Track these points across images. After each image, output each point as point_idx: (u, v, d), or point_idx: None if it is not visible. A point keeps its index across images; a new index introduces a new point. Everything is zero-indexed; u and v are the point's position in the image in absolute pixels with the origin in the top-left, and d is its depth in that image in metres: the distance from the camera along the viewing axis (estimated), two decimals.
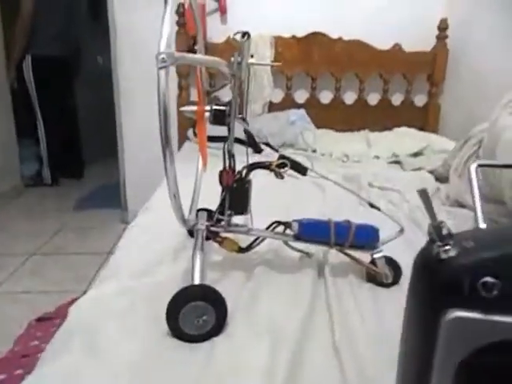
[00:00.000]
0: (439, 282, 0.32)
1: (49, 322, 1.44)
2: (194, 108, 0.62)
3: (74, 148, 3.17)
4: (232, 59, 0.60)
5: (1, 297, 1.58)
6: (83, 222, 2.34)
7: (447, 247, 0.32)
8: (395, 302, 0.62)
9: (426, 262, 0.33)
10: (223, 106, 0.63)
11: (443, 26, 2.03)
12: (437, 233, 0.32)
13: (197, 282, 0.52)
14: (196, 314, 0.50)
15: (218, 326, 0.51)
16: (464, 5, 2.01)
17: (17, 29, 2.55)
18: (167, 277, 0.64)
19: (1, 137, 2.56)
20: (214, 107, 0.62)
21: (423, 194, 0.34)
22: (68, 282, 1.69)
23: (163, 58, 0.43)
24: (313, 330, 0.53)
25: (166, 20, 0.45)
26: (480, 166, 0.40)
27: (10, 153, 2.67)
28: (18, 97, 2.71)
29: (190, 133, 1.96)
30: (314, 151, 1.81)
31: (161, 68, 0.43)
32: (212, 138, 1.59)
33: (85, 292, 1.57)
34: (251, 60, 0.60)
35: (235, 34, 0.56)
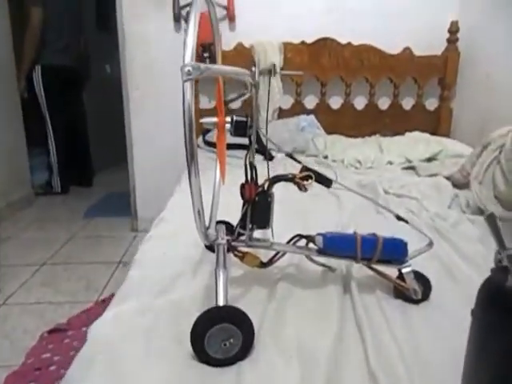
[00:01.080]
0: None
1: (61, 334, 1.43)
2: (215, 119, 0.60)
3: (84, 156, 3.19)
4: (253, 69, 0.58)
5: (12, 308, 1.57)
6: (93, 231, 2.34)
7: None
8: (426, 319, 0.59)
9: (500, 293, 0.31)
10: (244, 117, 0.62)
11: (454, 29, 2.01)
12: (511, 263, 0.30)
13: (221, 303, 0.50)
14: (222, 337, 0.47)
15: (245, 349, 0.48)
16: (475, 8, 1.99)
17: (26, 39, 2.58)
18: (188, 294, 0.62)
19: (11, 146, 2.57)
20: (236, 118, 0.60)
21: (490, 220, 0.32)
22: (79, 292, 1.68)
23: (189, 71, 0.41)
24: (345, 352, 0.50)
25: (191, 31, 0.43)
26: None
27: (21, 162, 2.69)
28: (28, 106, 2.73)
29: (199, 141, 1.94)
30: (326, 157, 1.79)
31: (186, 81, 0.42)
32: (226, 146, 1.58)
33: (96, 302, 1.57)
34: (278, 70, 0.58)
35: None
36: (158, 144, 2.17)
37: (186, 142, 0.43)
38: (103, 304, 1.61)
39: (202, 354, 0.48)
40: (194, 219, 0.49)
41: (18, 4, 2.61)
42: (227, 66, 0.56)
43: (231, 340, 0.48)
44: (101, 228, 2.38)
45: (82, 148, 3.15)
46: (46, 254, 2.01)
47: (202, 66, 0.42)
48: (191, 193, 0.46)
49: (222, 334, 0.48)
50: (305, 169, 0.61)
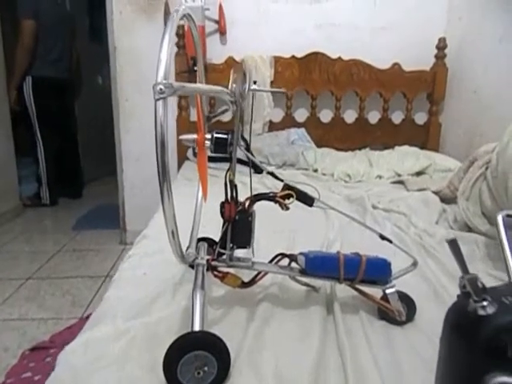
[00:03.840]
0: (480, 343, 0.28)
1: (42, 352, 1.39)
2: (194, 136, 0.59)
3: (74, 168, 3.16)
4: (234, 86, 0.57)
5: None
6: (81, 244, 2.30)
7: (485, 303, 0.28)
8: (410, 343, 0.57)
9: (463, 319, 0.30)
10: (225, 133, 0.60)
11: (442, 45, 2.04)
12: (472, 287, 0.29)
13: (197, 328, 0.48)
14: (196, 364, 0.45)
15: (220, 377, 0.46)
16: (463, 24, 2.02)
17: (18, 52, 2.57)
18: (166, 315, 0.60)
19: (0, 158, 2.54)
20: (215, 135, 0.59)
21: (453, 245, 0.31)
22: (64, 307, 1.64)
23: (161, 89, 0.40)
24: (324, 379, 0.48)
25: (164, 47, 0.42)
26: (508, 216, 0.36)
27: (9, 173, 2.65)
28: (17, 117, 2.70)
29: (189, 153, 1.94)
30: (316, 171, 1.79)
31: (158, 99, 0.40)
32: (212, 159, 1.57)
33: (81, 318, 1.53)
34: (254, 86, 0.57)
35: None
36: (148, 157, 2.15)
37: (158, 161, 0.42)
38: (87, 320, 1.57)
39: (174, 383, 0.45)
40: (169, 241, 0.48)
41: (9, 16, 2.61)
42: (206, 84, 0.55)
43: (205, 368, 0.46)
44: (89, 241, 2.35)
45: (71, 159, 3.13)
46: (31, 267, 1.97)
47: (176, 84, 0.41)
48: (164, 215, 0.44)
49: (195, 361, 0.45)
50: (286, 187, 0.60)
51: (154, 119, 0.42)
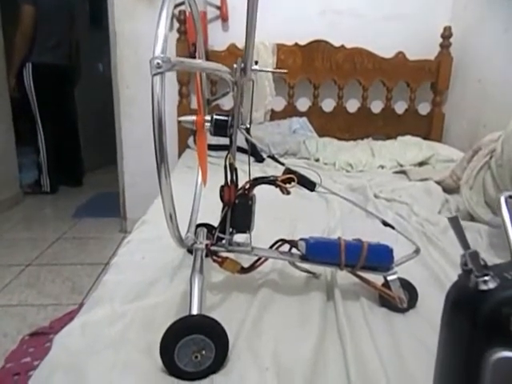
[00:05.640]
0: (481, 317, 0.27)
1: (42, 337, 1.39)
2: (194, 118, 0.58)
3: (74, 156, 3.14)
4: (235, 66, 0.55)
5: None
6: (81, 231, 2.30)
7: (486, 277, 0.28)
8: (412, 330, 0.57)
9: (463, 295, 0.29)
10: (225, 115, 0.59)
11: (447, 34, 2.00)
12: (473, 262, 0.28)
13: (195, 311, 0.47)
14: (193, 348, 0.45)
15: (218, 361, 0.46)
16: (468, 13, 1.99)
17: (18, 37, 2.54)
18: (163, 300, 0.59)
19: (0, 145, 2.52)
20: (215, 117, 0.57)
21: (454, 221, 0.30)
22: (64, 294, 1.65)
23: (158, 64, 0.38)
24: (324, 365, 0.48)
25: (162, 22, 0.41)
26: (511, 197, 0.35)
27: (9, 161, 2.64)
28: (17, 104, 2.68)
29: (190, 141, 1.92)
30: (317, 160, 1.77)
31: (155, 74, 0.39)
32: (213, 147, 1.55)
33: (80, 304, 1.53)
34: (255, 66, 0.56)
35: None
36: (148, 144, 2.13)
37: (155, 141, 0.41)
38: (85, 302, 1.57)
39: (171, 367, 0.45)
40: (166, 224, 0.46)
41: (9, 1, 2.56)
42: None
43: (203, 352, 0.45)
44: (89, 229, 2.34)
45: (72, 147, 3.11)
46: (31, 254, 1.97)
47: (174, 59, 0.39)
48: (161, 196, 0.43)
49: (193, 345, 0.45)
50: (288, 171, 0.58)
51: (151, 96, 0.40)
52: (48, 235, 2.22)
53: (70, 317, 1.48)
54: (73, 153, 3.12)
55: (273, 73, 1.65)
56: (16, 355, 1.31)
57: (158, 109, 0.40)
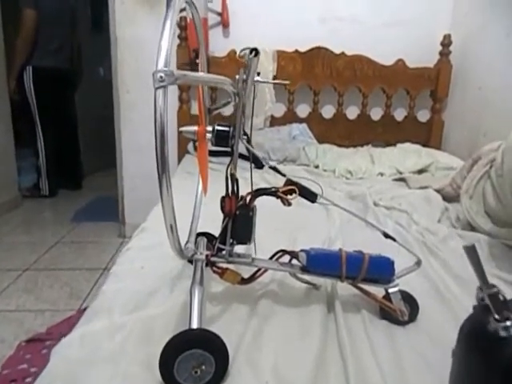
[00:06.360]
0: (501, 365, 0.26)
1: (39, 344, 1.38)
2: (195, 128, 0.58)
3: (73, 159, 3.14)
4: (237, 77, 0.55)
5: None
6: (80, 236, 2.29)
7: (508, 323, 0.27)
8: (412, 344, 0.56)
9: (481, 336, 0.27)
10: (227, 126, 0.59)
11: (446, 42, 2.01)
12: (493, 303, 0.27)
13: (195, 325, 0.46)
14: (193, 363, 0.44)
15: (218, 376, 0.45)
16: (469, 20, 2.00)
17: (19, 41, 2.54)
18: (163, 311, 0.59)
19: None
20: (217, 128, 0.57)
21: (471, 252, 0.29)
22: (62, 299, 1.64)
23: (161, 77, 0.38)
24: (324, 378, 0.47)
25: (165, 35, 0.41)
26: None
27: (9, 164, 2.64)
28: (17, 107, 2.68)
29: (190, 147, 1.92)
30: (317, 167, 1.77)
31: (158, 88, 0.39)
32: (213, 153, 1.55)
33: (78, 310, 1.52)
34: (257, 78, 0.55)
35: (242, 51, 0.52)
36: (148, 149, 2.13)
37: (157, 153, 0.40)
38: (84, 313, 1.56)
39: (171, 382, 0.44)
40: (167, 235, 0.46)
41: (10, 5, 2.57)
42: (212, 73, 0.54)
43: (203, 367, 0.44)
44: (88, 233, 2.34)
45: (71, 150, 3.11)
46: (29, 258, 1.96)
47: (177, 72, 0.39)
48: (162, 208, 0.43)
49: (193, 360, 0.44)
50: (289, 182, 0.58)
51: (154, 109, 0.40)
52: (46, 239, 2.21)
53: (67, 323, 1.47)
54: (72, 156, 3.12)
55: (274, 84, 1.65)
56: (13, 362, 1.30)
57: (160, 121, 0.40)
